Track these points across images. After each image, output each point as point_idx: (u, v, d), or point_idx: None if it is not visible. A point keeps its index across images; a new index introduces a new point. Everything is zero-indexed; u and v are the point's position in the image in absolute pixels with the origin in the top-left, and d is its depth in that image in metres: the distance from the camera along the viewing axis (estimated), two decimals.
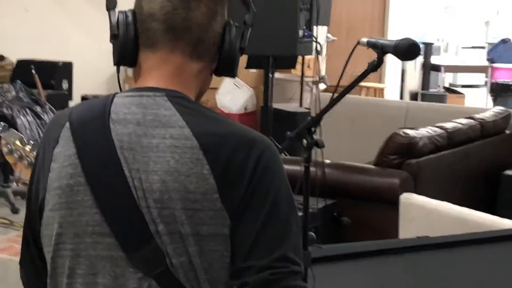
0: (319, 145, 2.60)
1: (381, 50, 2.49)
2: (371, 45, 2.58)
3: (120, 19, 1.53)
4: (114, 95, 1.54)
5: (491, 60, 12.94)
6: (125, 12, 1.54)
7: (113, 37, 1.54)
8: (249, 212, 1.41)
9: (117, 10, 1.55)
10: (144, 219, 1.40)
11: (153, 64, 1.52)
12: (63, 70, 8.80)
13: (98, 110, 1.51)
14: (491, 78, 12.56)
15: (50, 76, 8.41)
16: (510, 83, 12.17)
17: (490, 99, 11.83)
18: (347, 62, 2.71)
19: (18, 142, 2.10)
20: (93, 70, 9.66)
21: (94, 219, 1.44)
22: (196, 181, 1.39)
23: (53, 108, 7.24)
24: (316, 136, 2.64)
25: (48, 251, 1.53)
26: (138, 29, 1.52)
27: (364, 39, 2.71)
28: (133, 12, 1.53)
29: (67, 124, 1.51)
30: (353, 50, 2.64)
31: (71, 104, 8.75)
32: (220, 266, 1.44)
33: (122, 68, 1.76)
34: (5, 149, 2.15)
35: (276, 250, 1.40)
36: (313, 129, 2.60)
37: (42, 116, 6.96)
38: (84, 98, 8.79)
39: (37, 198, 1.56)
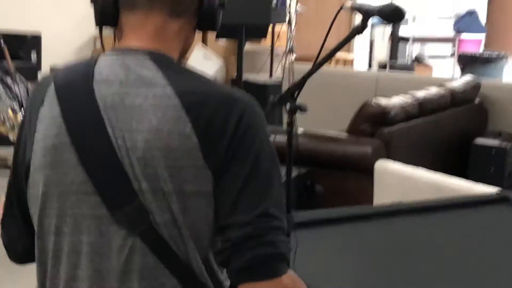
0: (302, 109, 2.61)
1: (366, 13, 2.51)
2: (355, 9, 2.64)
3: None
4: (98, 56, 1.56)
5: (457, 31, 13.17)
6: None
7: (92, 2, 1.59)
8: (231, 170, 1.44)
9: None
10: (127, 177, 1.42)
11: (133, 24, 1.54)
12: (32, 42, 8.89)
13: (82, 71, 1.53)
14: (458, 48, 12.77)
15: (19, 48, 8.48)
16: (477, 54, 12.29)
17: (457, 69, 11.95)
18: (329, 29, 2.72)
19: (10, 112, 2.14)
20: (61, 41, 9.63)
21: (78, 178, 1.46)
22: (179, 139, 1.41)
23: (23, 79, 7.26)
24: (299, 101, 2.68)
25: (35, 211, 1.55)
26: None
27: (348, 4, 2.79)
28: None
29: (52, 85, 1.53)
30: (336, 15, 2.64)
31: (40, 75, 8.73)
32: (203, 223, 1.46)
33: (91, 39, 1.77)
34: None
35: (258, 206, 1.42)
36: (295, 94, 2.60)
37: (13, 87, 7.02)
38: (52, 68, 8.86)
39: (24, 160, 1.58)
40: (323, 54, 2.74)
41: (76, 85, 1.52)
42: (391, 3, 2.63)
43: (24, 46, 8.77)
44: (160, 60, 1.50)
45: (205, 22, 1.59)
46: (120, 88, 1.48)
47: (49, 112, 1.52)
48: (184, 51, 1.66)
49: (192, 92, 1.47)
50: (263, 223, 1.43)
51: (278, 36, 7.93)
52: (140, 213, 1.43)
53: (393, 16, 2.59)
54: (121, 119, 1.46)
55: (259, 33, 6.39)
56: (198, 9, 1.56)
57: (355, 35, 2.61)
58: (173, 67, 1.52)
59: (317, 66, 2.63)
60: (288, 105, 2.61)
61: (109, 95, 1.48)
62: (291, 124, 2.66)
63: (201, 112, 1.44)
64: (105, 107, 1.47)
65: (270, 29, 7.53)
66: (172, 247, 1.46)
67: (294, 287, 1.48)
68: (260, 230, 1.42)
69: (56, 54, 9.28)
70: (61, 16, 9.69)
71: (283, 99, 2.65)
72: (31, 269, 1.67)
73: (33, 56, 8.91)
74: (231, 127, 1.44)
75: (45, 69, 8.99)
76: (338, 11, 2.71)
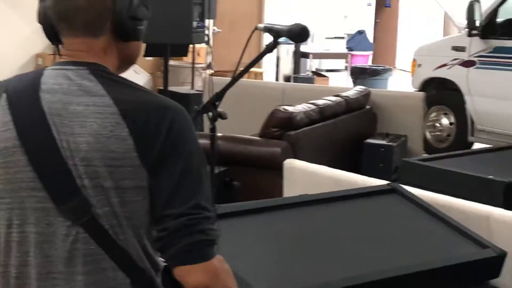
0: (223, 116, 2.83)
1: (276, 33, 2.78)
2: (267, 30, 2.88)
3: (40, 12, 1.67)
4: (44, 69, 1.66)
5: (349, 48, 14.13)
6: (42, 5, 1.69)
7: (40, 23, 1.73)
8: (166, 168, 1.54)
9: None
10: (72, 175, 1.51)
11: (70, 44, 1.64)
12: None
13: (30, 81, 1.62)
14: (350, 63, 13.57)
15: None
16: (366, 67, 13.29)
17: (350, 81, 12.65)
18: (245, 46, 2.98)
19: None
20: (6, 58, 9.54)
21: (28, 176, 1.55)
22: (117, 142, 1.52)
23: None
24: (220, 109, 2.86)
25: None
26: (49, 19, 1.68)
27: (261, 25, 3.04)
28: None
29: (4, 95, 1.61)
30: (250, 36, 2.94)
31: None
32: (141, 214, 1.57)
33: (34, 57, 1.90)
34: None
35: (191, 199, 1.53)
36: (217, 103, 2.81)
37: None
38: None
39: None
40: (239, 69, 2.95)
41: (24, 94, 1.59)
42: (298, 23, 2.85)
43: None
44: (99, 72, 1.59)
45: (121, 35, 1.64)
46: (63, 96, 1.56)
47: (2, 118, 1.59)
48: (127, 61, 1.73)
49: (128, 100, 1.56)
50: (195, 214, 1.53)
51: (198, 53, 8.28)
52: (83, 206, 1.52)
53: (300, 35, 2.86)
54: (65, 124, 1.53)
55: (181, 51, 6.55)
56: (111, 26, 1.63)
57: (267, 52, 2.88)
58: (111, 78, 1.61)
59: (235, 78, 2.84)
60: (210, 113, 2.80)
61: (54, 103, 1.55)
62: (213, 129, 2.87)
63: (136, 118, 1.53)
64: (50, 114, 1.54)
65: (190, 48, 7.69)
66: (112, 235, 1.54)
67: (221, 268, 1.59)
68: (193, 220, 1.53)
69: (2, 70, 9.83)
70: (4, 35, 9.77)
71: (206, 107, 2.85)
72: None
73: None
74: (163, 131, 1.53)
75: None
76: (253, 31, 3.02)
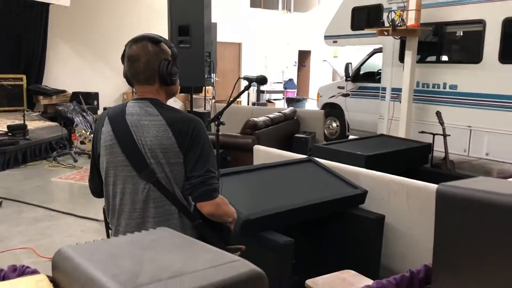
0: (223, 123, 3.13)
1: (250, 80, 3.10)
2: (245, 78, 3.15)
3: (123, 71, 1.74)
4: (127, 102, 1.75)
5: (285, 88, 16.09)
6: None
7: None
8: (191, 151, 1.66)
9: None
10: (144, 157, 1.64)
11: (138, 88, 1.76)
12: (94, 95, 10.41)
13: (120, 109, 1.72)
14: (285, 95, 15.57)
15: (88, 98, 9.92)
16: (294, 97, 15.37)
17: (285, 105, 14.46)
18: (233, 88, 3.29)
19: (83, 131, 2.64)
20: (107, 95, 11.59)
21: (122, 159, 1.68)
22: (166, 139, 1.64)
23: (91, 113, 8.48)
24: (221, 120, 3.08)
25: (103, 174, 1.75)
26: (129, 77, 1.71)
27: (242, 76, 3.31)
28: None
29: (106, 117, 1.73)
30: (236, 82, 3.27)
31: (99, 112, 10.20)
32: (180, 176, 1.68)
33: (121, 95, 1.93)
34: (78, 134, 2.68)
35: (204, 167, 1.66)
36: (219, 116, 3.10)
37: (86, 117, 8.11)
38: (104, 108, 9.85)
39: (96, 151, 1.77)
40: (231, 98, 3.06)
41: (118, 116, 1.71)
42: (262, 75, 3.16)
43: (91, 97, 10.19)
44: (155, 103, 1.70)
45: (165, 83, 1.73)
46: (137, 117, 1.67)
47: (106, 129, 1.71)
48: (170, 96, 1.81)
49: (171, 117, 1.66)
50: (206, 175, 1.66)
51: (207, 91, 8.74)
52: (151, 173, 1.64)
53: (263, 81, 3.14)
54: (139, 131, 1.65)
55: (198, 89, 6.77)
56: (158, 79, 1.72)
57: (245, 90, 3.12)
58: (162, 106, 1.70)
59: (228, 104, 3.06)
60: (216, 122, 3.12)
61: (133, 120, 1.67)
62: (218, 130, 3.18)
63: (176, 127, 1.64)
64: (131, 126, 1.66)
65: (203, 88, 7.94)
66: (167, 187, 1.66)
67: (222, 202, 1.71)
68: (205, 178, 1.65)
69: (105, 101, 10.90)
70: (106, 83, 11.56)
71: (213, 119, 3.14)
72: (101, 201, 1.86)
73: (95, 102, 10.37)
74: (190, 133, 1.65)
75: (101, 109, 10.51)
76: (238, 79, 3.36)
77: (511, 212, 0.81)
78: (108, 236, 1.91)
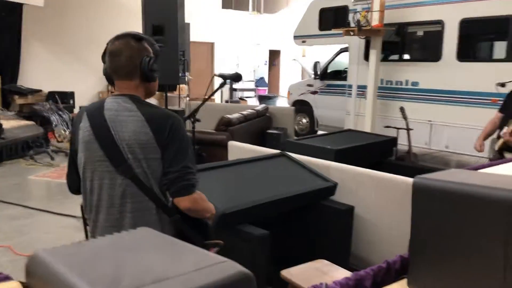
0: (199, 120, 3.15)
1: (225, 77, 3.10)
2: (221, 76, 3.14)
3: (104, 67, 1.72)
4: (106, 98, 1.70)
5: (256, 86, 16.10)
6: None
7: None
8: (169, 147, 1.62)
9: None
10: (121, 153, 1.60)
11: (119, 84, 1.70)
12: (70, 94, 10.17)
13: (98, 105, 1.69)
14: (257, 93, 15.57)
15: (64, 98, 9.83)
16: (265, 95, 15.41)
17: (258, 102, 14.21)
18: (208, 87, 3.27)
19: (62, 131, 2.62)
20: (83, 93, 11.14)
21: (99, 154, 1.64)
22: (144, 134, 1.60)
23: (67, 112, 8.37)
24: (197, 117, 3.12)
25: (80, 170, 1.71)
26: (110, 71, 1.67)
27: (217, 73, 3.26)
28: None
29: (85, 113, 1.69)
30: (211, 80, 3.28)
31: (75, 110, 10.05)
32: (158, 172, 1.64)
33: (97, 93, 1.86)
34: (57, 135, 2.67)
35: (182, 162, 1.62)
36: (195, 114, 3.11)
37: (63, 115, 7.93)
38: (80, 106, 9.99)
39: (75, 146, 1.73)
40: (206, 95, 3.08)
41: (96, 111, 1.67)
42: (237, 72, 3.14)
43: (67, 96, 9.99)
44: (134, 99, 1.66)
45: (145, 79, 1.69)
46: (115, 112, 1.63)
47: (83, 125, 1.67)
48: (149, 92, 1.76)
49: (150, 112, 1.63)
50: (184, 170, 1.62)
51: (181, 89, 8.51)
52: (129, 169, 1.60)
53: (238, 78, 3.16)
54: (117, 126, 1.61)
55: (173, 88, 6.56)
56: (140, 74, 1.68)
57: (220, 88, 3.13)
58: (140, 102, 1.66)
59: (203, 101, 3.09)
60: (192, 119, 3.12)
61: (111, 115, 1.62)
62: (194, 127, 3.24)
63: (154, 122, 1.61)
64: (109, 121, 1.62)
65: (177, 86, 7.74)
66: (145, 183, 1.62)
67: (199, 197, 1.68)
68: (182, 173, 1.62)
69: (81, 100, 10.49)
70: (83, 82, 11.27)
71: (189, 116, 3.14)
72: (79, 197, 1.81)
73: (71, 101, 10.17)
74: (167, 128, 1.61)
75: (77, 108, 10.14)
76: (213, 77, 3.36)
77: (485, 203, 0.80)
78: (86, 232, 1.86)
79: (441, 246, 0.85)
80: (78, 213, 1.90)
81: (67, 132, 2.20)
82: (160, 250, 0.59)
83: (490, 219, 0.79)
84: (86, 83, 11.33)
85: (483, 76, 6.07)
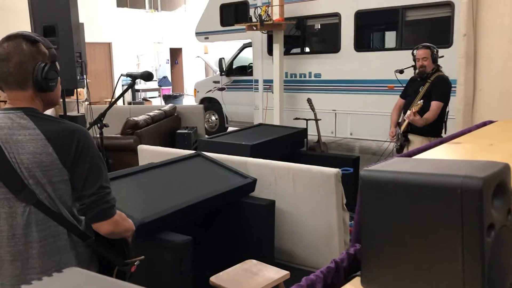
0: (106, 125, 3.00)
1: (134, 77, 2.92)
2: (129, 75, 2.94)
3: None
4: None
5: (159, 85, 15.87)
6: None
7: None
8: (79, 167, 1.50)
9: None
10: (20, 177, 1.47)
11: (10, 95, 1.54)
12: None
13: None
14: (161, 93, 15.36)
15: None
16: (170, 94, 15.38)
17: (163, 102, 14.02)
18: (115, 86, 3.08)
19: None
20: None
21: None
22: (46, 156, 1.47)
23: None
24: (104, 122, 2.96)
25: None
26: None
27: (124, 72, 3.06)
28: None
29: None
30: (118, 80, 3.06)
31: None
32: (66, 195, 1.52)
33: None
34: None
35: (97, 183, 1.50)
36: (102, 119, 2.96)
37: None
38: None
39: None
40: (113, 98, 2.87)
41: None
42: (147, 70, 2.97)
43: None
44: (31, 113, 1.50)
45: (40, 89, 1.54)
46: (9, 131, 1.48)
47: None
48: (49, 103, 1.60)
49: (50, 129, 1.49)
50: (100, 192, 1.51)
51: (80, 93, 8.17)
52: (31, 194, 1.48)
53: (149, 77, 2.97)
54: (12, 148, 1.47)
55: (70, 92, 6.20)
56: (32, 83, 1.51)
57: (129, 89, 2.93)
58: (38, 116, 1.51)
59: (111, 105, 2.96)
60: (99, 124, 2.98)
61: (3, 135, 1.47)
62: (101, 133, 3.05)
63: (57, 140, 1.47)
64: (2, 142, 1.47)
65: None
66: (51, 208, 1.50)
67: (120, 218, 1.58)
68: (99, 196, 1.51)
69: None
70: None
71: (96, 121, 2.98)
72: None
73: None
74: (74, 146, 1.49)
75: None
76: (120, 77, 3.12)
77: (438, 191, 0.79)
78: None
79: (395, 240, 0.83)
80: None
81: None
82: None
83: (444, 206, 0.77)
84: None
85: (379, 64, 6.45)
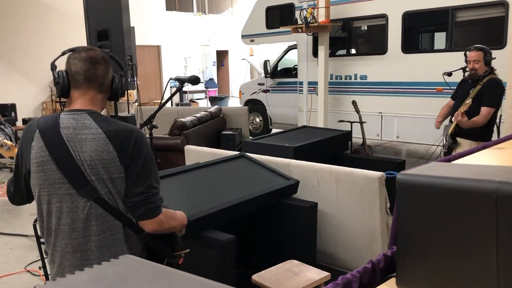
0: (156, 126, 3.07)
1: (182, 81, 2.99)
2: (177, 79, 3.03)
3: (59, 75, 1.62)
4: (60, 113, 1.61)
5: (206, 87, 15.98)
6: (62, 71, 1.63)
7: (56, 84, 1.63)
8: (133, 165, 1.57)
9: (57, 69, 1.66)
10: (83, 174, 1.54)
11: (78, 96, 1.62)
12: (11, 107, 10.26)
13: (52, 121, 1.60)
14: (208, 95, 15.47)
15: (5, 110, 9.89)
16: (216, 96, 15.40)
17: (209, 104, 14.16)
18: (165, 89, 3.17)
19: (5, 140, 2.30)
20: (25, 106, 11.33)
21: (57, 176, 1.56)
22: (107, 153, 1.55)
23: (9, 125, 8.04)
24: (154, 123, 3.04)
25: (35, 192, 1.62)
26: (70, 79, 1.61)
27: (173, 76, 3.14)
28: (66, 71, 1.63)
29: (37, 130, 1.59)
30: (167, 83, 3.13)
31: (18, 123, 10.12)
32: (123, 190, 1.59)
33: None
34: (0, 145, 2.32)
35: (146, 182, 1.58)
36: (151, 120, 3.02)
37: (5, 129, 7.64)
38: (24, 119, 10.50)
39: (23, 165, 1.64)
40: (162, 100, 2.97)
41: (50, 129, 1.58)
42: (194, 75, 3.03)
43: (7, 109, 10.00)
44: (93, 115, 1.59)
45: (113, 96, 1.70)
46: (73, 130, 1.56)
47: (37, 144, 1.58)
48: (104, 107, 1.73)
49: (111, 129, 1.57)
50: (148, 192, 1.58)
51: (130, 95, 8.57)
52: (92, 190, 1.54)
53: (196, 81, 3.05)
54: (76, 146, 1.55)
55: (121, 93, 6.95)
56: (110, 89, 1.68)
57: (178, 91, 3.02)
58: (100, 117, 1.60)
59: (160, 107, 3.02)
60: (149, 125, 3.04)
61: (69, 134, 1.55)
62: (151, 134, 3.14)
63: (116, 139, 1.55)
64: (67, 140, 1.55)
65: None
66: (110, 203, 1.57)
67: (165, 218, 1.62)
68: (147, 196, 1.58)
69: (23, 112, 10.91)
70: (26, 92, 11.20)
71: (147, 122, 3.06)
72: (28, 215, 1.69)
73: (13, 114, 10.17)
74: (131, 145, 1.57)
75: (19, 120, 10.51)
76: (168, 81, 3.22)
77: (474, 196, 0.80)
78: (40, 253, 1.84)
79: (430, 242, 0.84)
80: (29, 231, 1.77)
81: (9, 142, 1.98)
82: (152, 283, 0.51)
83: (479, 211, 0.78)
84: (28, 94, 10.99)
85: (427, 66, 6.30)
